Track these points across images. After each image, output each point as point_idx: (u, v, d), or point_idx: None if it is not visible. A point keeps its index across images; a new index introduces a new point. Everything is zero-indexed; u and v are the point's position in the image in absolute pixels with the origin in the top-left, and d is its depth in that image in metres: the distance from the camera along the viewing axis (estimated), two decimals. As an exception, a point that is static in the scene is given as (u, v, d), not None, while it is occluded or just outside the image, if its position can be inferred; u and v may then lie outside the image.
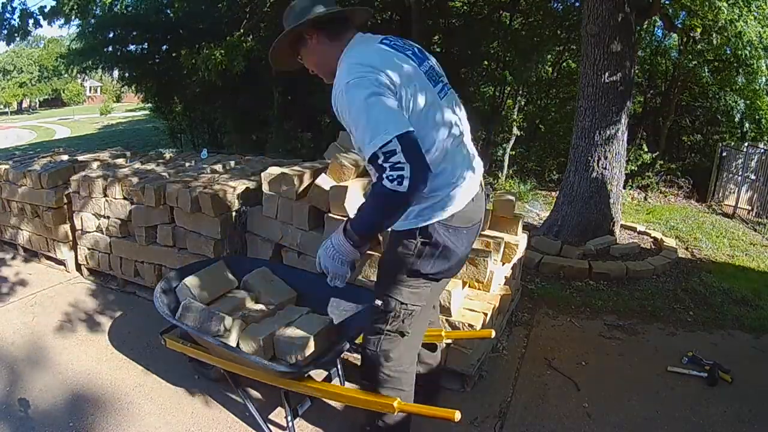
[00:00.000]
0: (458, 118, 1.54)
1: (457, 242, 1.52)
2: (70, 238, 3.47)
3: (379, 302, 1.59)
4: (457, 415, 1.45)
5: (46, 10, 6.16)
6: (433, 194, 1.44)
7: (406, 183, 1.23)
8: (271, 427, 1.98)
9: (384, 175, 1.25)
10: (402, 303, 1.56)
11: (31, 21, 6.25)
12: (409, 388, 1.69)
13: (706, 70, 7.50)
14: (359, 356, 2.28)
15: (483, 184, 1.65)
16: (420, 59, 1.48)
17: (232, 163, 3.62)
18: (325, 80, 1.56)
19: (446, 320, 2.13)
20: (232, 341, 1.95)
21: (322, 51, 1.51)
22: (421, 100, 1.40)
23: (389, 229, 1.55)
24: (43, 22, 6.27)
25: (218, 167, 3.42)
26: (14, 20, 6.25)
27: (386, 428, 1.72)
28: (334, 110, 1.42)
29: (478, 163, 1.62)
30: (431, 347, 1.98)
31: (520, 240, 2.64)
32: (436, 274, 1.55)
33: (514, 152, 8.52)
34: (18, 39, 6.55)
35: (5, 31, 6.30)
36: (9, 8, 6.18)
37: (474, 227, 1.59)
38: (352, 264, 1.45)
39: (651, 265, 3.82)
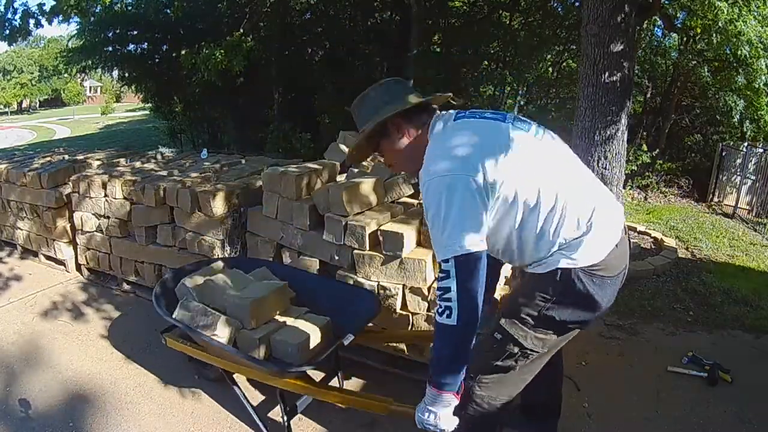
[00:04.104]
0: (565, 155, 1.42)
1: (601, 293, 1.35)
2: (70, 237, 3.47)
3: (498, 336, 1.41)
4: (458, 416, 1.43)
5: (45, 9, 6.16)
6: (567, 243, 1.32)
7: (454, 315, 1.18)
8: (269, 426, 1.98)
9: (437, 308, 1.22)
10: (522, 347, 1.38)
11: (32, 21, 6.26)
12: (491, 426, 1.52)
13: (706, 70, 7.49)
14: (353, 356, 2.28)
15: (626, 227, 1.46)
16: (501, 115, 1.37)
17: (232, 162, 3.62)
18: (404, 172, 1.41)
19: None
20: (229, 340, 1.95)
21: (410, 145, 1.38)
22: (518, 156, 1.27)
23: (526, 268, 1.40)
24: (44, 22, 6.28)
25: (218, 167, 3.42)
26: (16, 21, 6.27)
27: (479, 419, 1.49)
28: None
29: (615, 203, 1.45)
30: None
31: (520, 240, 2.64)
32: (570, 324, 1.38)
33: (514, 152, 8.50)
34: (20, 39, 6.56)
35: (7, 32, 6.32)
36: (11, 9, 6.20)
37: (619, 276, 1.40)
38: (449, 411, 1.28)
39: (651, 265, 3.82)
